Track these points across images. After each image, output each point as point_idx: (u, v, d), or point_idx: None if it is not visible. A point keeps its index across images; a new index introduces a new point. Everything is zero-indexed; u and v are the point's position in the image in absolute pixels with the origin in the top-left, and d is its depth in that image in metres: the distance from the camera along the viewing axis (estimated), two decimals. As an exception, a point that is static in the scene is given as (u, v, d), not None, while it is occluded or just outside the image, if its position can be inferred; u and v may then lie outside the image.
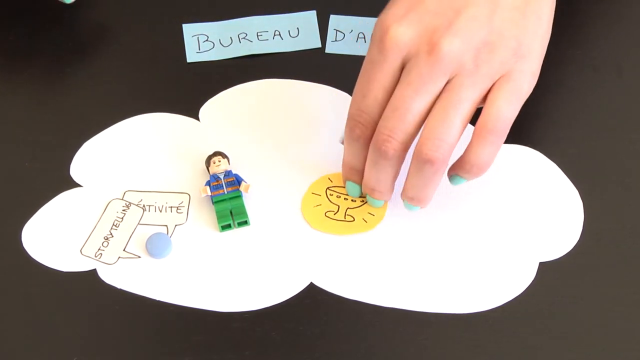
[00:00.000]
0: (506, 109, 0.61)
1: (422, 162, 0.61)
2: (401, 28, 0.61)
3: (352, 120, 0.64)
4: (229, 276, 0.64)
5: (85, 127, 0.72)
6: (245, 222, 0.66)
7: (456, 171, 0.63)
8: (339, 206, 0.67)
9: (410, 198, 0.64)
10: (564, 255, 0.65)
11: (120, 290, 0.64)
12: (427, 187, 0.63)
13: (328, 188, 0.68)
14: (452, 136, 0.61)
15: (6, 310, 0.63)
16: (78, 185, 0.69)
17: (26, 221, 0.67)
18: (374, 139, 0.63)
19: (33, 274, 0.64)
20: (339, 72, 0.75)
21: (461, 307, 0.62)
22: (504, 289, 0.63)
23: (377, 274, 0.64)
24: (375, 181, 0.65)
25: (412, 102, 0.61)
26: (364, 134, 0.63)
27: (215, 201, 0.66)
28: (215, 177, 0.67)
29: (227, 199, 0.67)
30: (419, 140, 0.61)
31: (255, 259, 0.65)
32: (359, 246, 0.66)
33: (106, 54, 0.76)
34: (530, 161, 0.69)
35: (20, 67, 0.77)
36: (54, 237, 0.66)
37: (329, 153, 0.70)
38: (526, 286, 0.63)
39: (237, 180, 0.67)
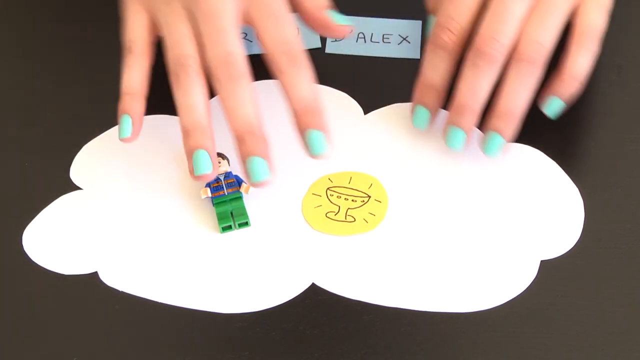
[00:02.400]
0: (598, 17, 0.67)
1: (522, 61, 0.64)
2: None
3: (440, 27, 0.65)
4: (230, 278, 0.64)
5: (85, 130, 0.72)
6: (246, 224, 0.66)
7: (554, 88, 0.66)
8: (339, 207, 0.67)
9: (502, 113, 0.65)
10: (565, 253, 0.65)
11: (121, 292, 0.64)
12: (522, 93, 0.64)
13: (328, 188, 0.68)
14: (549, 41, 0.64)
15: (7, 312, 0.63)
16: (78, 188, 0.69)
17: (27, 224, 0.67)
18: (475, 42, 0.64)
19: (34, 277, 0.65)
20: (339, 72, 0.75)
21: (462, 307, 0.62)
22: (506, 287, 0.63)
23: (378, 274, 0.64)
24: (470, 94, 0.64)
25: (514, 6, 0.64)
26: (452, 41, 0.64)
27: (216, 203, 0.66)
28: (215, 179, 0.67)
29: (227, 201, 0.67)
30: (518, 44, 0.64)
31: (256, 260, 0.65)
32: (360, 246, 0.66)
33: (105, 55, 0.76)
34: (531, 159, 0.69)
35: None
36: (54, 240, 0.66)
37: (329, 153, 0.70)
38: (528, 284, 0.63)
39: (237, 182, 0.67)
